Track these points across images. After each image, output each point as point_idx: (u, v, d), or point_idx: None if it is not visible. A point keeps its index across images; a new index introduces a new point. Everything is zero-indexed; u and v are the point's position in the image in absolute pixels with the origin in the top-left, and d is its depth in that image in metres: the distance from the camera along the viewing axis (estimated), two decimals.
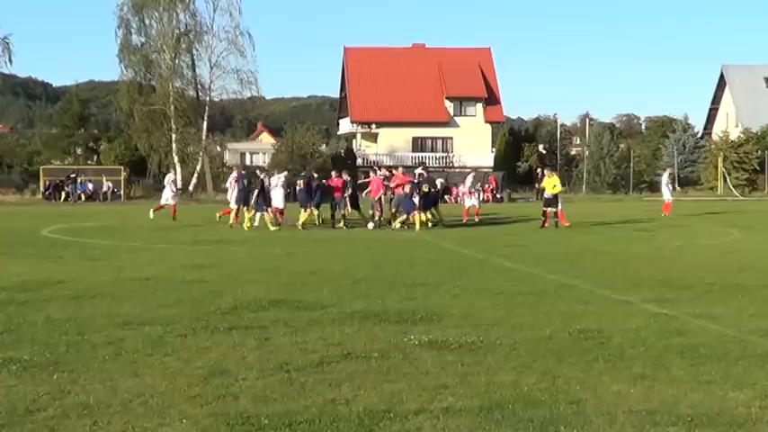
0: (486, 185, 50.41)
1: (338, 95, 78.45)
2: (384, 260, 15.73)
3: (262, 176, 25.97)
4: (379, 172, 27.88)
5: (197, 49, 58.77)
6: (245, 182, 25.80)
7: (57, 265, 15.02)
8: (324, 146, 70.67)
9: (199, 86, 59.37)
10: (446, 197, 48.73)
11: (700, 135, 74.18)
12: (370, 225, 25.22)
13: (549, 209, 25.44)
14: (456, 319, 9.32)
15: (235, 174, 26.98)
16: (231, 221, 25.30)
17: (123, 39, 57.66)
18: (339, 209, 26.15)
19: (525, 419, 5.62)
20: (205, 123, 58.20)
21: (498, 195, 53.70)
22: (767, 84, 73.75)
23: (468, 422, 5.58)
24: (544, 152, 70.22)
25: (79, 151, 70.62)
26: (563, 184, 28.16)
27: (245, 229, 24.37)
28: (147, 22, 57.98)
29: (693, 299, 10.84)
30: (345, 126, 71.89)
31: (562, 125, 79.38)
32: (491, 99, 67.33)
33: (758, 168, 62.86)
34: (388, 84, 67.46)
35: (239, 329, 8.60)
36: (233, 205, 26.21)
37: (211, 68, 58.33)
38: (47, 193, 51.82)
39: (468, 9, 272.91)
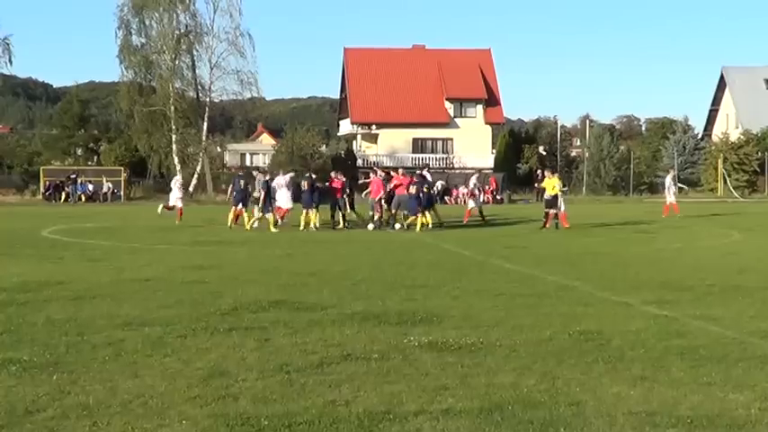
0: (487, 187, 50.45)
1: (338, 96, 78.49)
2: (384, 261, 15.73)
3: (266, 178, 26.06)
4: (378, 173, 27.89)
5: (197, 50, 58.79)
6: (242, 183, 25.83)
7: (57, 265, 15.03)
8: (324, 147, 70.63)
9: (199, 87, 59.38)
10: (446, 198, 48.89)
11: (700, 136, 74.18)
12: (370, 226, 25.22)
13: (551, 210, 25.44)
14: (456, 320, 9.31)
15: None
16: (230, 223, 25.29)
17: (123, 39, 57.67)
18: (339, 210, 26.15)
19: (525, 421, 5.62)
20: (205, 124, 58.20)
21: (498, 197, 53.71)
22: (767, 85, 73.77)
23: (467, 423, 5.58)
24: (544, 154, 70.20)
25: (79, 152, 70.64)
26: (564, 185, 28.15)
27: (247, 229, 24.41)
28: (147, 22, 58.00)
29: (693, 300, 10.84)
30: (345, 127, 71.90)
31: (562, 127, 79.33)
32: (491, 100, 67.36)
33: (758, 170, 62.84)
34: (389, 85, 67.48)
35: (239, 330, 8.60)
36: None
37: (211, 69, 58.36)
38: (47, 193, 51.82)
39: (469, 10, 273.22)
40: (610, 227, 27.08)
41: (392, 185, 25.93)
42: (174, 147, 57.06)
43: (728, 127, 71.15)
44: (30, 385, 6.46)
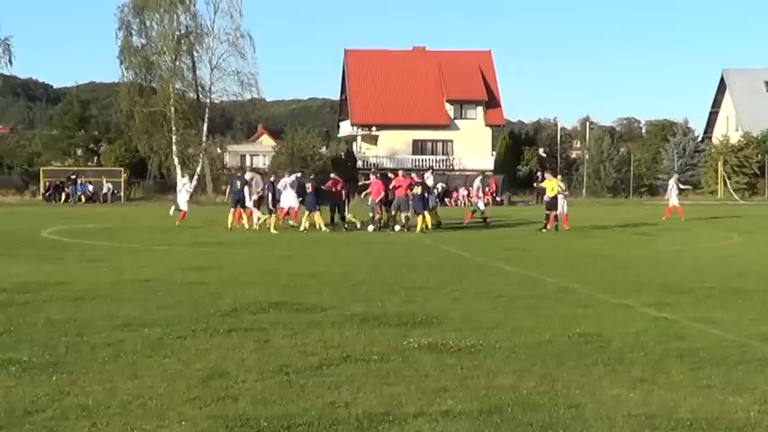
0: (487, 189, 50.42)
1: (338, 98, 78.51)
2: (384, 263, 15.73)
3: (272, 179, 26.13)
4: (371, 176, 27.96)
5: (197, 51, 58.80)
6: (239, 183, 25.87)
7: (57, 266, 15.03)
8: (324, 148, 70.68)
9: (199, 88, 59.38)
10: (446, 200, 48.87)
11: (700, 139, 74.23)
12: (370, 228, 25.23)
13: (551, 212, 25.42)
14: (455, 322, 9.31)
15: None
16: (230, 224, 25.27)
17: (124, 40, 57.68)
18: (339, 211, 26.15)
19: (524, 423, 5.62)
20: (205, 125, 58.20)
21: (498, 198, 53.70)
22: (767, 88, 73.80)
23: (467, 425, 5.58)
24: (544, 155, 70.23)
25: (79, 153, 70.61)
26: (565, 189, 28.18)
27: (255, 229, 24.46)
28: (147, 23, 58.01)
29: (693, 303, 10.84)
30: (346, 128, 71.91)
31: (562, 129, 79.38)
32: (491, 102, 67.36)
33: (758, 172, 62.86)
34: (389, 86, 67.49)
35: (239, 331, 8.60)
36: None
37: (212, 70, 58.36)
38: (47, 194, 51.84)
39: (469, 12, 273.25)
40: (610, 229, 27.09)
41: (391, 187, 25.94)
42: (174, 148, 57.05)
43: (729, 129, 71.20)
44: (29, 386, 6.46)
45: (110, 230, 25.49)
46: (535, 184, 29.66)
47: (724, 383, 6.68)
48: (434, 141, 67.43)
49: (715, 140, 70.15)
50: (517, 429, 5.51)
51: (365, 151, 67.07)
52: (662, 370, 7.10)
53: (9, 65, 57.77)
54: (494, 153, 67.33)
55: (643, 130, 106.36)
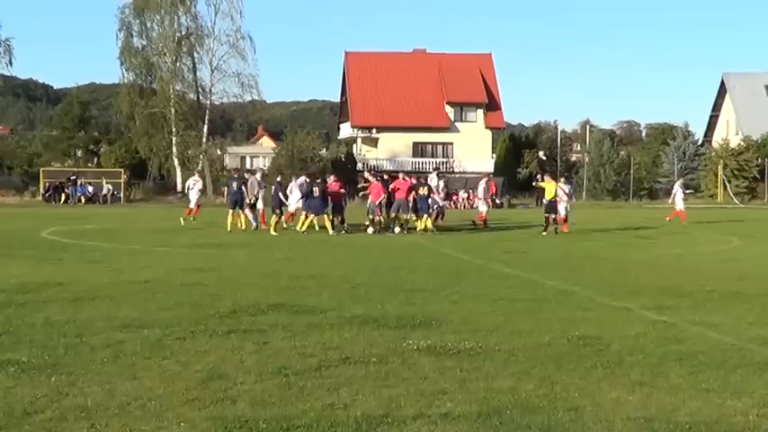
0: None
1: (339, 100, 78.54)
2: (383, 265, 15.73)
3: (278, 179, 26.25)
4: (367, 175, 27.99)
5: (198, 53, 58.96)
6: (235, 185, 25.91)
7: (56, 267, 15.03)
8: (324, 150, 70.67)
9: (199, 90, 59.51)
10: (447, 202, 48.87)
11: (700, 142, 74.28)
12: (370, 230, 25.24)
13: (551, 215, 25.42)
14: (455, 324, 9.31)
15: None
16: (229, 226, 25.27)
17: (124, 41, 57.81)
18: (338, 213, 26.13)
19: (523, 426, 5.62)
20: (206, 126, 58.29)
21: (498, 201, 53.69)
22: None
23: (466, 428, 5.57)
24: (544, 158, 70.29)
25: (79, 153, 70.67)
26: (571, 194, 28.27)
27: (243, 229, 24.46)
28: (148, 24, 58.18)
29: (693, 306, 10.83)
30: (346, 130, 71.93)
31: (562, 132, 79.50)
32: (492, 105, 67.39)
33: (758, 176, 62.90)
34: (389, 88, 67.51)
35: (238, 333, 8.60)
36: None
37: (212, 72, 58.51)
38: (47, 194, 51.87)
39: (469, 15, 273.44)
40: (609, 232, 27.10)
41: (391, 189, 25.95)
42: (174, 149, 57.12)
43: (729, 133, 71.22)
44: (28, 387, 6.46)
45: (109, 231, 25.50)
46: (534, 183, 29.64)
47: (723, 387, 6.68)
48: (434, 144, 67.45)
49: (715, 144, 70.18)
50: None
51: (365, 153, 67.09)
52: (661, 373, 7.10)
53: (9, 65, 58.00)
54: (494, 156, 67.37)
55: (643, 134, 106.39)
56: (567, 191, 26.69)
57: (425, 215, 25.81)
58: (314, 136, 65.60)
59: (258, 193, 26.24)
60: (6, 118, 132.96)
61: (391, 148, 65.62)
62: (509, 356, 7.68)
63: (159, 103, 56.78)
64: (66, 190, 51.54)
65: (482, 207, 29.21)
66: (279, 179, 26.62)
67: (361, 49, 72.71)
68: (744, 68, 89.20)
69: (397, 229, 25.11)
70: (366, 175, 27.88)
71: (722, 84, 76.56)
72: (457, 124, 66.90)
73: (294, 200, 25.62)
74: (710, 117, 79.23)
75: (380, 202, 25.62)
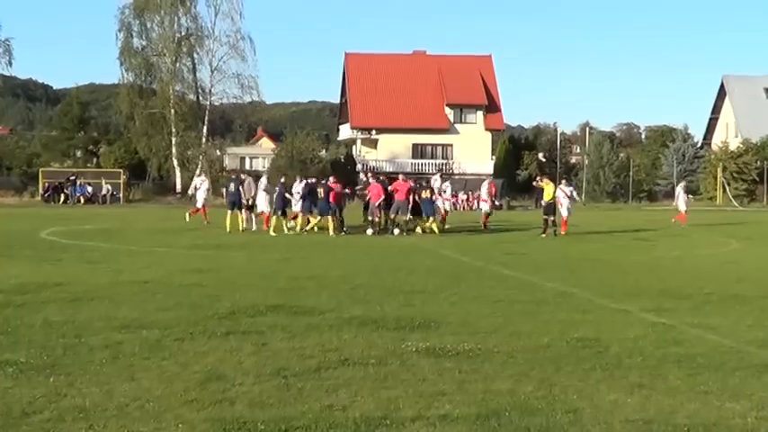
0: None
1: (338, 101, 78.57)
2: (383, 266, 15.73)
3: (282, 180, 26.32)
4: (364, 176, 28.03)
5: (198, 53, 58.97)
6: (233, 186, 25.92)
7: (55, 267, 15.02)
8: (323, 151, 70.68)
9: (199, 90, 59.52)
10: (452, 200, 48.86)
11: (699, 145, 74.29)
12: (369, 231, 25.23)
13: (549, 217, 25.42)
14: (454, 326, 9.31)
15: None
16: (228, 227, 25.26)
17: (124, 42, 57.80)
18: (338, 215, 26.13)
19: (522, 428, 5.62)
20: (205, 127, 58.28)
21: (497, 203, 53.69)
22: (767, 94, 73.87)
23: (464, 430, 5.57)
24: (544, 160, 70.30)
25: (79, 154, 70.65)
26: (575, 197, 28.31)
27: (242, 230, 24.46)
28: (148, 25, 58.18)
29: (692, 309, 10.83)
30: (345, 132, 71.96)
31: (562, 133, 79.42)
32: (491, 106, 67.42)
33: (757, 179, 62.96)
34: (389, 90, 67.53)
35: (237, 334, 8.60)
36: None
37: (212, 72, 58.50)
38: (46, 195, 51.86)
39: (470, 16, 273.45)
40: (609, 234, 27.10)
41: (390, 190, 25.94)
42: (173, 150, 57.11)
43: (728, 136, 71.26)
44: (26, 387, 6.45)
45: (109, 232, 25.49)
46: (534, 183, 29.67)
47: (721, 389, 6.68)
48: (434, 145, 67.47)
49: (714, 147, 70.22)
50: None
51: (365, 155, 67.09)
52: (660, 375, 7.10)
53: (9, 65, 57.98)
54: (493, 157, 67.37)
55: (642, 136, 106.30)
56: (568, 192, 26.67)
57: (431, 217, 25.89)
58: (313, 137, 65.60)
59: (255, 193, 26.19)
60: (6, 118, 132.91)
61: (391, 150, 65.64)
62: (508, 358, 7.68)
63: (159, 104, 56.79)
64: (65, 190, 51.54)
65: (485, 208, 29.22)
66: (282, 181, 26.71)
67: (360, 51, 72.78)
68: (743, 71, 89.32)
69: (396, 231, 25.10)
70: (362, 176, 27.91)
71: (722, 86, 76.61)
72: (457, 126, 66.93)
73: (295, 202, 25.67)
74: (710, 119, 79.27)
75: (380, 204, 25.61)
